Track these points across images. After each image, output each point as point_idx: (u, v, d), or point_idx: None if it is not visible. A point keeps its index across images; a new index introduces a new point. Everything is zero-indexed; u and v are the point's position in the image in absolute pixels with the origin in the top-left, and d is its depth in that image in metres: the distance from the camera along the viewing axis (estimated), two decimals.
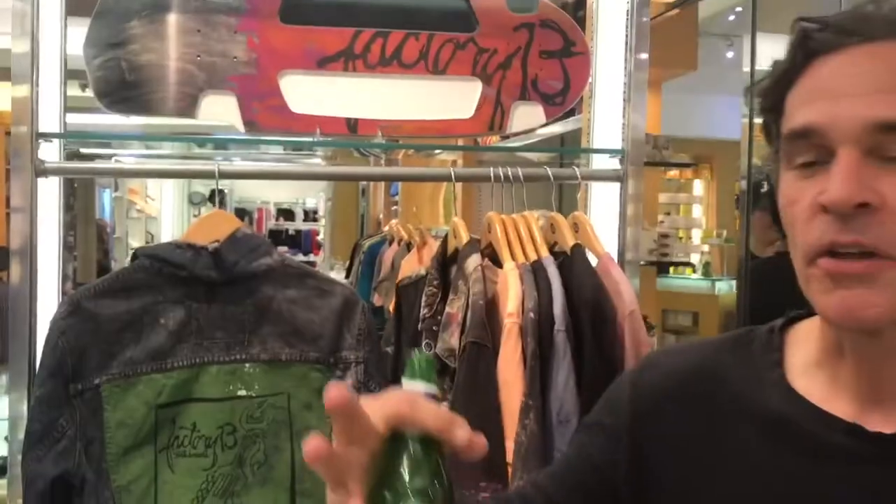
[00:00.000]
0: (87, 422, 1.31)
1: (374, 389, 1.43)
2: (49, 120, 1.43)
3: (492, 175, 1.44)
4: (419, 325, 1.47)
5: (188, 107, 1.43)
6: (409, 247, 2.80)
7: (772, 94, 0.67)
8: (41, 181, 1.43)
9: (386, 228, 3.66)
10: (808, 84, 0.64)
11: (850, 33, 0.62)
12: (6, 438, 1.45)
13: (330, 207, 7.51)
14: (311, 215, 12.13)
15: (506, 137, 2.47)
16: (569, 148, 1.99)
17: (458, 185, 3.45)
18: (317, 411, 1.41)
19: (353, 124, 1.50)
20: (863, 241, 0.59)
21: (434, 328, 1.42)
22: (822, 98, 0.63)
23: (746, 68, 5.95)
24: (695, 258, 6.63)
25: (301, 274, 1.43)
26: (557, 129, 2.32)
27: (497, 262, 1.44)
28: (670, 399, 0.75)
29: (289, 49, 1.47)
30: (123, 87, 1.43)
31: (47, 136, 1.38)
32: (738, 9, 5.47)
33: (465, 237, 1.45)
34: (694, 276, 6.39)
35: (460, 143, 2.19)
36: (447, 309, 1.36)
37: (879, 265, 0.60)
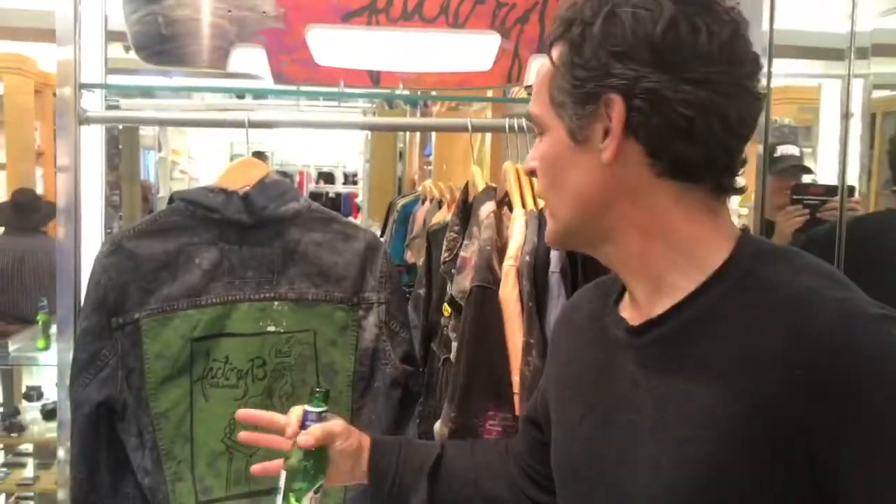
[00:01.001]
0: (128, 353, 1.42)
1: (395, 329, 1.52)
2: (92, 79, 1.52)
3: (506, 125, 1.50)
4: (440, 268, 1.55)
5: (220, 59, 1.51)
6: (440, 204, 2.87)
7: None
8: (85, 137, 1.51)
9: (420, 189, 3.72)
10: None
11: None
12: (56, 384, 1.55)
13: (368, 169, 7.58)
14: (350, 178, 12.20)
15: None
16: None
17: (478, 136, 3.50)
18: (340, 347, 1.50)
19: (375, 76, 1.57)
20: None
21: (452, 271, 1.49)
22: None
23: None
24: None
25: (327, 218, 1.52)
26: None
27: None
28: (564, 326, 1.07)
29: (315, 4, 1.54)
30: (160, 41, 1.51)
31: (89, 87, 1.47)
32: None
33: (481, 185, 1.51)
34: None
35: (490, 94, 2.25)
36: (461, 253, 1.43)
37: None
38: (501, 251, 1.41)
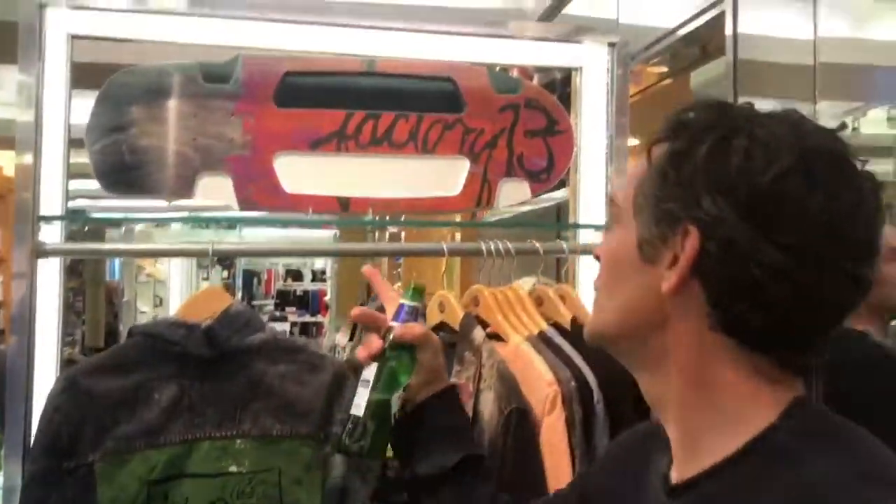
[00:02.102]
0: (79, 499, 1.33)
1: (364, 465, 1.45)
2: (51, 190, 1.46)
3: (484, 250, 1.48)
4: None
5: (185, 188, 1.48)
6: None
7: None
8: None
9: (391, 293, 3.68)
10: None
11: None
12: None
13: (337, 269, 7.56)
14: (318, 276, 12.16)
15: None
16: (556, 224, 2.04)
17: (454, 258, 3.49)
18: (306, 486, 1.42)
19: (345, 202, 1.54)
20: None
21: None
22: None
23: None
24: None
25: (293, 349, 1.46)
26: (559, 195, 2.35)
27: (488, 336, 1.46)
28: (621, 448, 0.99)
29: (283, 131, 1.53)
30: (123, 170, 1.48)
31: (48, 220, 1.43)
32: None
33: (459, 310, 1.46)
34: None
35: (458, 218, 2.24)
36: (454, 380, 1.38)
37: None
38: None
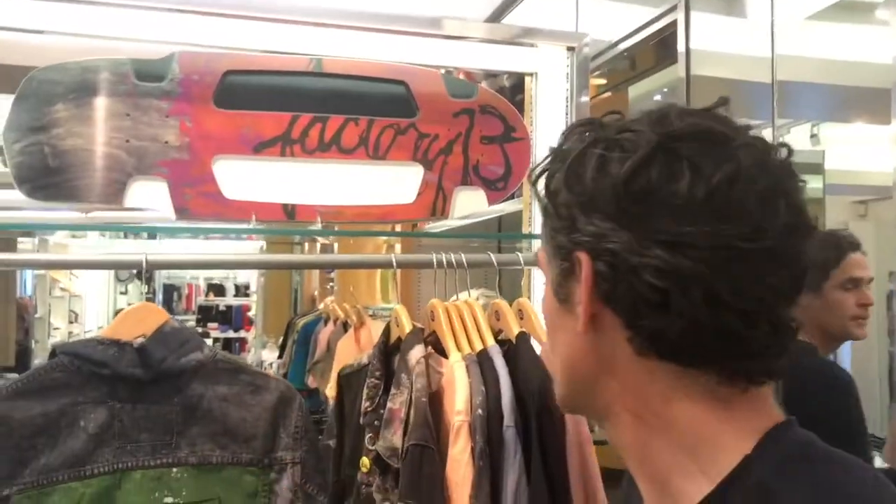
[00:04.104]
0: None
1: (311, 492, 1.35)
2: None
3: (434, 262, 1.39)
4: (360, 419, 1.40)
5: (115, 193, 1.36)
6: (345, 327, 2.73)
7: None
8: None
9: (321, 306, 3.56)
10: None
11: None
12: None
13: (263, 283, 7.38)
14: (242, 290, 11.88)
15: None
16: (510, 233, 1.97)
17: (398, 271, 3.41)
18: None
19: (290, 210, 1.44)
20: None
21: (376, 423, 1.35)
22: None
23: None
24: None
25: (233, 369, 1.36)
26: (498, 208, 2.30)
27: (441, 351, 1.39)
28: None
29: (223, 134, 1.42)
30: (46, 174, 1.35)
31: None
32: (664, 90, 5.66)
33: (407, 326, 1.39)
34: None
35: (398, 228, 2.15)
36: (388, 405, 1.30)
37: None
38: (432, 401, 1.29)
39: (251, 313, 9.87)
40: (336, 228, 1.54)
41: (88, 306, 7.95)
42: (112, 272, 9.96)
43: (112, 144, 1.37)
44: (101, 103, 1.37)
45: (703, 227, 0.61)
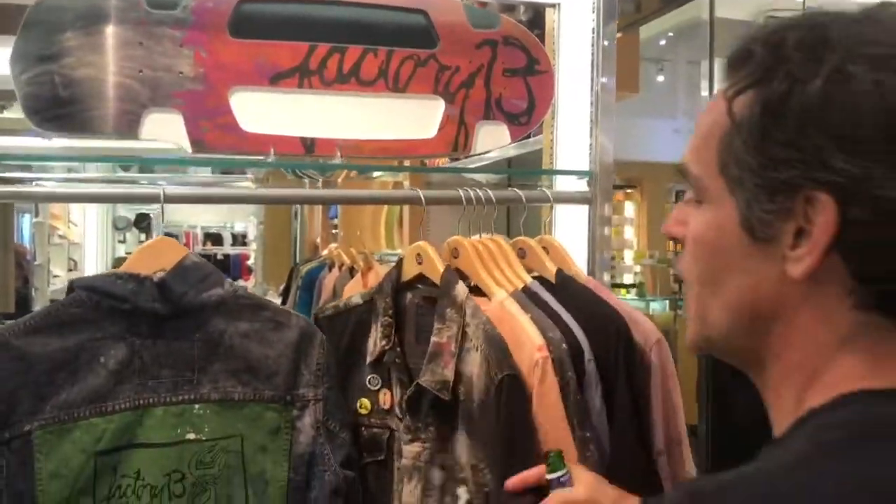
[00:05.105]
0: (16, 474, 1.18)
1: (334, 429, 1.33)
2: None
3: (463, 197, 1.36)
4: (368, 360, 1.37)
5: (129, 125, 1.32)
6: (351, 272, 2.70)
7: None
8: None
9: (324, 252, 3.54)
10: None
11: None
12: None
13: (262, 231, 7.34)
14: (239, 239, 11.86)
15: (455, 159, 2.41)
16: (536, 170, 1.94)
17: (406, 209, 3.37)
18: (272, 454, 1.30)
19: (309, 144, 1.40)
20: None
21: (398, 360, 1.33)
22: None
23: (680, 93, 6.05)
24: (627, 278, 6.69)
25: (255, 305, 1.33)
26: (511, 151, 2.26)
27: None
28: None
29: (239, 64, 1.37)
30: (56, 104, 1.30)
31: None
32: (670, 34, 5.57)
33: (437, 262, 1.35)
34: (628, 296, 6.44)
35: (407, 164, 2.12)
36: (434, 339, 1.27)
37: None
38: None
39: (250, 262, 9.86)
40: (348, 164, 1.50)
41: (87, 253, 7.93)
42: (110, 220, 9.93)
43: (125, 74, 1.32)
44: (112, 31, 1.32)
45: None
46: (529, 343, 1.20)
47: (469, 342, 1.25)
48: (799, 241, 0.60)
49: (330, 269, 3.02)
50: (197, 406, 1.27)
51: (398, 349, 1.34)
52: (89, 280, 1.25)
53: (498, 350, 1.20)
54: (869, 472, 0.54)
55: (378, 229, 3.80)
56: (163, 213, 1.32)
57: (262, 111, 1.38)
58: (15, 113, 4.13)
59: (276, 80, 1.39)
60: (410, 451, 1.28)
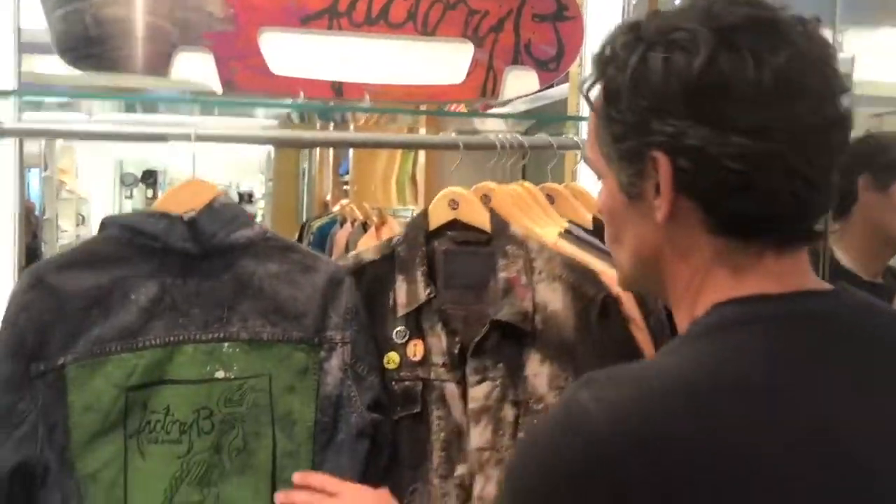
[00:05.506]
0: (50, 405, 1.20)
1: (361, 372, 1.34)
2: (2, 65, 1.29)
3: (498, 144, 1.36)
4: (400, 312, 1.35)
5: (160, 65, 1.32)
6: (364, 227, 2.70)
7: None
8: None
9: (336, 209, 3.54)
10: None
11: None
12: None
13: (270, 189, 7.33)
14: (246, 198, 11.82)
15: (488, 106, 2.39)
16: (563, 115, 1.93)
17: (420, 164, 3.36)
18: (299, 394, 1.32)
19: (338, 87, 1.40)
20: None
21: (442, 308, 1.33)
22: None
23: None
24: None
25: (283, 247, 1.34)
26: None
27: None
28: None
29: (268, 5, 1.37)
30: (87, 43, 1.30)
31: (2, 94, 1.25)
32: None
33: (480, 206, 1.34)
34: None
35: (423, 108, 2.11)
36: (502, 275, 1.27)
37: None
38: None
39: (258, 220, 9.87)
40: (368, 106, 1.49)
41: (94, 209, 7.93)
42: (117, 176, 9.93)
43: (155, 14, 1.32)
44: None
45: (777, 110, 0.68)
46: (605, 275, 1.22)
47: (540, 274, 1.26)
48: (658, 194, 0.74)
49: (342, 225, 3.03)
50: (226, 345, 1.28)
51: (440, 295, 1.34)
52: (122, 217, 1.27)
53: (587, 275, 1.23)
54: (703, 352, 0.71)
55: (389, 185, 3.80)
56: (194, 159, 1.32)
57: (291, 53, 1.37)
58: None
59: (305, 21, 1.38)
60: (478, 392, 1.27)
